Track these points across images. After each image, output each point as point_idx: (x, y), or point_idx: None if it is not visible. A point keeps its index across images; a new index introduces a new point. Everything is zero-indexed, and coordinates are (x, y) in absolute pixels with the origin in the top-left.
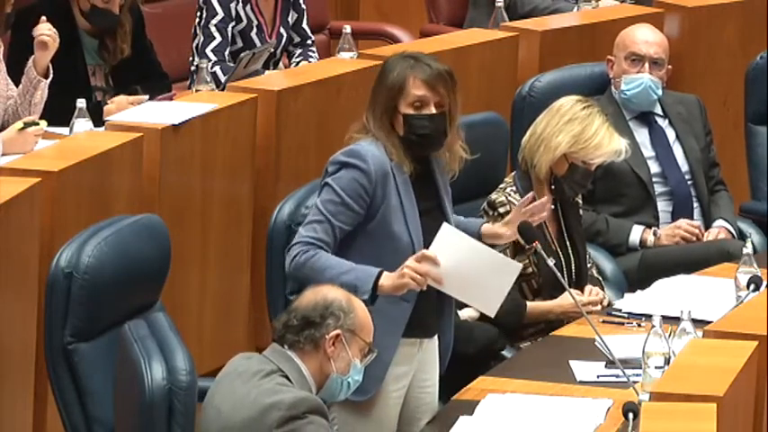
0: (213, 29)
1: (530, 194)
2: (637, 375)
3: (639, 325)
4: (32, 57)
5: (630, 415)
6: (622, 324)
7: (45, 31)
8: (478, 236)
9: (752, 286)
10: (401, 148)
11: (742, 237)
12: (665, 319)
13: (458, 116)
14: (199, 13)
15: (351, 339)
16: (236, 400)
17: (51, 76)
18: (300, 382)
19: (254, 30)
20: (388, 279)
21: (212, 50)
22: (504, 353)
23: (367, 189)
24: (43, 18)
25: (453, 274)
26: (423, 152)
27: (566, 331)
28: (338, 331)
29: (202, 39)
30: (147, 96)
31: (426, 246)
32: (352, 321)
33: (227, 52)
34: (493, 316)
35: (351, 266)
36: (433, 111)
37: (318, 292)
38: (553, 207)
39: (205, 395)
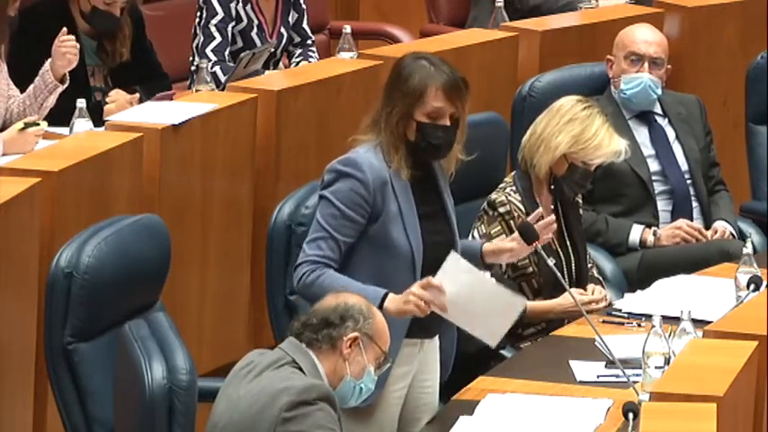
0: (213, 29)
1: (539, 210)
2: (637, 375)
3: (639, 325)
4: (48, 60)
5: (630, 415)
6: (622, 324)
7: (70, 45)
8: (480, 256)
9: (752, 286)
10: (405, 153)
11: (742, 237)
12: (665, 319)
13: (465, 122)
14: (199, 13)
15: (368, 344)
16: (248, 389)
17: (68, 82)
18: (314, 374)
19: (255, 30)
20: (392, 303)
21: (212, 50)
22: (504, 353)
23: (366, 198)
24: (64, 29)
25: (457, 302)
26: (429, 159)
27: (566, 331)
28: (356, 334)
29: (202, 39)
30: (137, 96)
31: (426, 251)
32: (370, 327)
33: (227, 52)
34: (494, 346)
35: (358, 287)
36: (448, 122)
37: (339, 297)
38: (553, 207)
39: (205, 395)
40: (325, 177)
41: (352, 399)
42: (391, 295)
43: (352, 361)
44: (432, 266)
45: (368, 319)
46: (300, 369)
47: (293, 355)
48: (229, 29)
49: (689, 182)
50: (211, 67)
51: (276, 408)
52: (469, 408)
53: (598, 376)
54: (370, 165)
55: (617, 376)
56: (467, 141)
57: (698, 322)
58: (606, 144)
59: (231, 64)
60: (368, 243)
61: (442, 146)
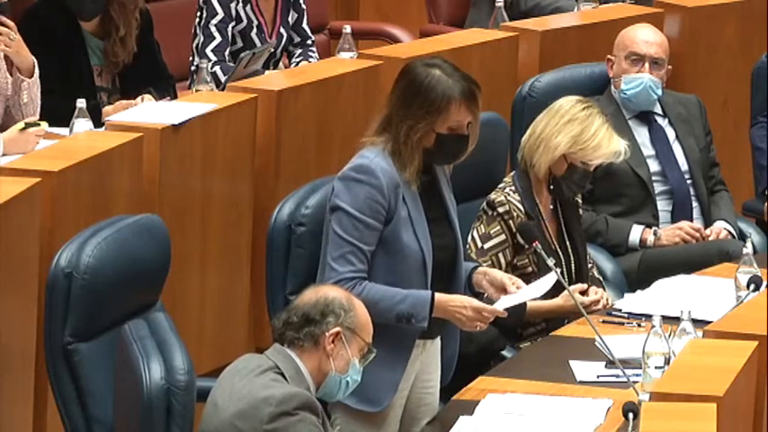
0: (213, 29)
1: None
2: (637, 375)
3: (639, 325)
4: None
5: (630, 415)
6: (622, 324)
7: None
8: (469, 279)
9: (752, 286)
10: (418, 159)
11: (742, 237)
12: (665, 319)
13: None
14: (199, 14)
15: (351, 338)
16: (232, 394)
17: (36, 73)
18: (297, 379)
19: (254, 30)
20: (441, 312)
21: (212, 50)
22: (504, 353)
23: (383, 204)
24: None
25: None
26: (443, 164)
27: (566, 331)
28: (338, 329)
29: (202, 39)
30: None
31: (435, 252)
32: (352, 320)
33: (227, 52)
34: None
35: (403, 295)
36: (466, 132)
37: (319, 291)
38: (552, 207)
39: (204, 395)
40: (338, 186)
41: (339, 393)
42: (438, 298)
43: (336, 356)
44: (438, 269)
45: (349, 312)
46: (283, 375)
47: (275, 360)
48: (229, 29)
49: (689, 182)
50: (211, 67)
51: (257, 419)
52: (469, 408)
53: (598, 376)
54: (383, 169)
55: (617, 376)
56: None
57: (698, 322)
58: (606, 144)
59: (231, 64)
60: (379, 247)
61: (459, 153)
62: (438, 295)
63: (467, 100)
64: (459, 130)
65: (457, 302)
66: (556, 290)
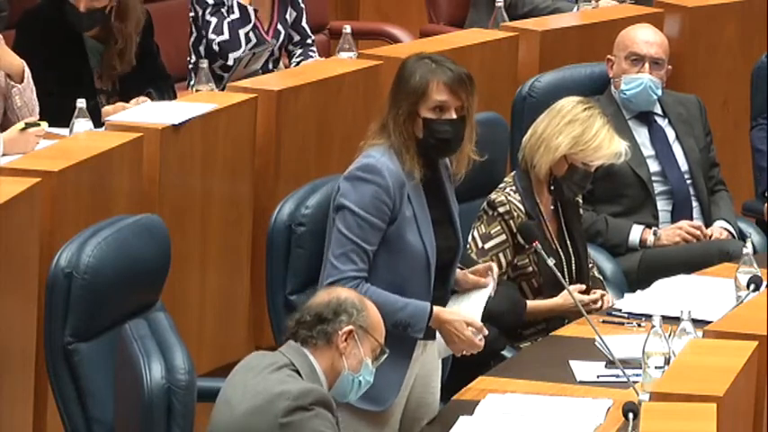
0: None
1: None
2: (637, 375)
3: (639, 325)
4: None
5: (630, 415)
6: (622, 324)
7: None
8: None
9: (752, 286)
10: (416, 152)
11: (742, 237)
12: (665, 319)
13: (473, 119)
14: (193, 12)
15: (363, 337)
16: (246, 391)
17: (28, 76)
18: (311, 377)
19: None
20: (436, 322)
21: (205, 48)
22: (504, 353)
23: (388, 204)
24: None
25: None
26: (438, 156)
27: (566, 331)
28: (351, 327)
29: (196, 35)
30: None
31: (439, 253)
32: (364, 319)
33: None
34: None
35: (403, 303)
36: (454, 116)
37: (332, 292)
38: (553, 207)
39: (204, 395)
40: (344, 185)
41: (351, 393)
42: (436, 314)
43: (349, 355)
44: (441, 270)
45: (361, 311)
46: (298, 372)
47: (290, 357)
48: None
49: (689, 182)
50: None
51: (272, 413)
52: (469, 408)
53: (598, 376)
54: (389, 169)
55: (617, 376)
56: None
57: (698, 322)
58: (606, 145)
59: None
60: (383, 246)
61: (451, 140)
62: (437, 310)
63: (448, 82)
64: (444, 113)
65: (454, 325)
66: (556, 289)
